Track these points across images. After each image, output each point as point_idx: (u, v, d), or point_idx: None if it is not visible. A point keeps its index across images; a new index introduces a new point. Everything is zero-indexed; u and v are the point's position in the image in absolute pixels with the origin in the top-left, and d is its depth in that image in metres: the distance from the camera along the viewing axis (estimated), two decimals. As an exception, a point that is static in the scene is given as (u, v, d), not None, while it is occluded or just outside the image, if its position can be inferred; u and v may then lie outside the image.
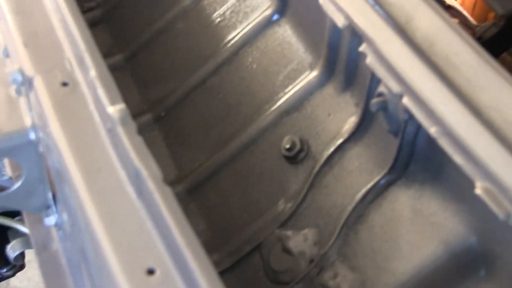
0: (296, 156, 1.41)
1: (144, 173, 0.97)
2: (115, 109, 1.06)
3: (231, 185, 1.47)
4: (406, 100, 1.05)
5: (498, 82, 1.03)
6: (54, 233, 1.51)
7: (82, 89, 1.18)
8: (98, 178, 1.05)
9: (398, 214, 1.23)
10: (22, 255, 1.86)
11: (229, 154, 1.52)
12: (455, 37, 1.11)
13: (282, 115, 1.49)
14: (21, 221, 1.71)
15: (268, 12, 1.64)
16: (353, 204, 1.27)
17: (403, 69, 1.07)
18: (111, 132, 1.08)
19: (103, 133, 1.10)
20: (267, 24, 1.64)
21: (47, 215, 1.44)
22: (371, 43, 1.12)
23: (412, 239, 1.20)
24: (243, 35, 1.66)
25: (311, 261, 1.29)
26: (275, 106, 1.50)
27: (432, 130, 1.01)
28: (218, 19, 1.75)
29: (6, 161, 1.62)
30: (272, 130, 1.49)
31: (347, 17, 1.18)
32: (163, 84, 1.74)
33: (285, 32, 1.59)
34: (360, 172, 1.31)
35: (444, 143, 0.99)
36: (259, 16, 1.66)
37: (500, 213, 0.92)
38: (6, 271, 2.15)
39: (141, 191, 1.00)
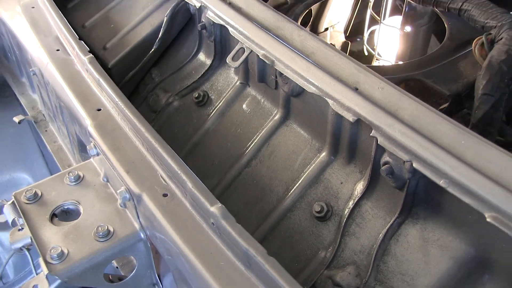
0: (325, 216, 1.40)
1: (252, 251, 0.96)
2: (215, 208, 1.05)
3: (279, 246, 1.45)
4: (415, 165, 1.07)
5: (475, 141, 1.06)
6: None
7: (179, 197, 1.17)
8: (212, 259, 1.04)
9: (413, 244, 1.23)
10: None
11: (272, 224, 1.49)
12: (434, 115, 1.14)
13: (306, 188, 1.48)
14: None
15: (277, 117, 1.65)
16: (377, 243, 1.26)
17: (407, 143, 1.09)
18: (215, 225, 1.07)
19: (205, 226, 1.09)
20: (277, 126, 1.64)
21: (155, 292, 1.40)
22: (378, 129, 1.15)
23: (428, 260, 1.19)
24: (261, 137, 1.66)
25: (357, 289, 1.27)
26: (299, 183, 1.50)
27: (441, 182, 1.02)
28: (239, 129, 1.75)
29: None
30: (301, 200, 1.48)
31: (355, 114, 1.20)
32: (210, 180, 1.72)
33: (294, 129, 1.60)
34: (377, 219, 1.31)
35: (453, 190, 1.01)
36: (270, 121, 1.66)
37: (509, 232, 0.93)
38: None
39: (250, 264, 0.99)
